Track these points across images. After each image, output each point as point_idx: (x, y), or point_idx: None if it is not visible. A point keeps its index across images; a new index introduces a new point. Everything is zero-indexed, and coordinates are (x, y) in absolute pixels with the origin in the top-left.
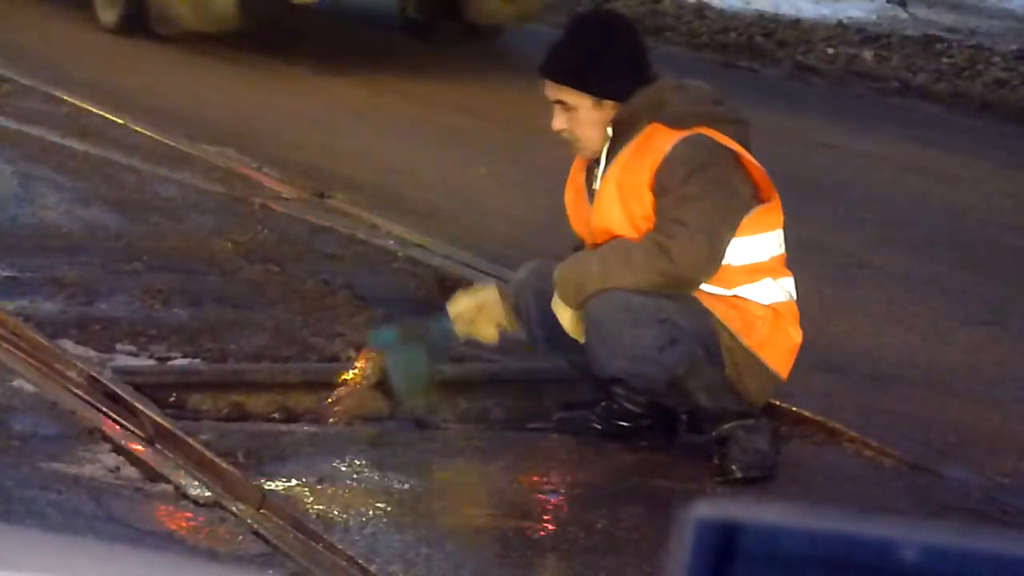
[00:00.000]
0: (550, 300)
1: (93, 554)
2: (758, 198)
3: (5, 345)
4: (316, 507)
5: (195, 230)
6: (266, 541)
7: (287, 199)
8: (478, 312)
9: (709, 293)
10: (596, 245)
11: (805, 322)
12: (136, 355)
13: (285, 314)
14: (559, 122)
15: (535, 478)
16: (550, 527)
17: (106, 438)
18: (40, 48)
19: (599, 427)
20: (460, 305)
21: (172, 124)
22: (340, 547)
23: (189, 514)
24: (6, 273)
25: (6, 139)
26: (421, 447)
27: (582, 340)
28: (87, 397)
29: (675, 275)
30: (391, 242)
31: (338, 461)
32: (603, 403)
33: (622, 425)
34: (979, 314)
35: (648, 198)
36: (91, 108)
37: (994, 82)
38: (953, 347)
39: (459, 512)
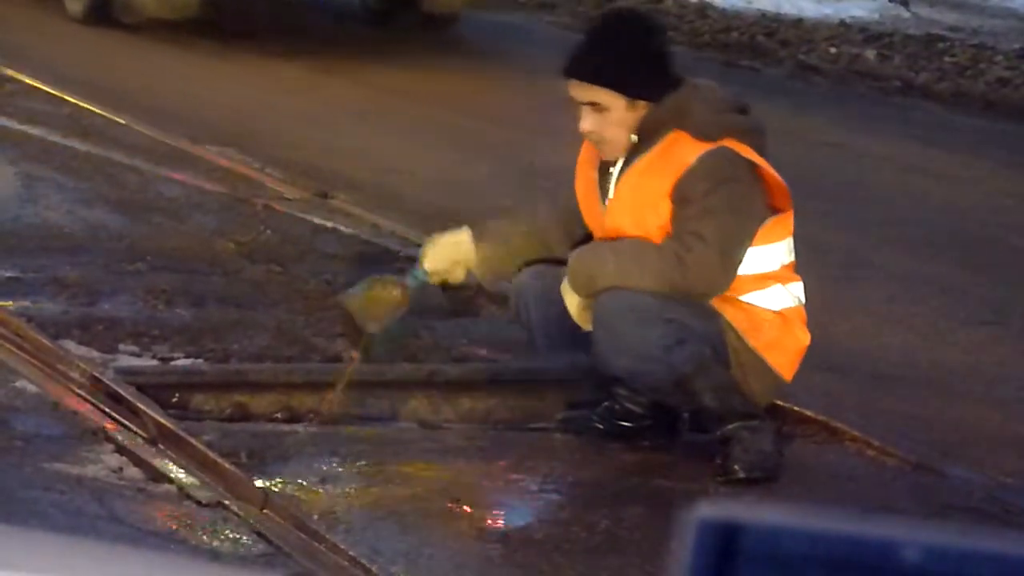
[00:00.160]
0: (551, 304)
1: (96, 554)
2: (772, 208)
3: (8, 346)
4: (319, 507)
5: (197, 230)
6: (268, 541)
7: (289, 199)
8: (452, 260)
9: (719, 296)
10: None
11: (807, 322)
12: (139, 355)
13: (287, 314)
14: (588, 123)
15: (537, 478)
16: (552, 527)
17: (109, 438)
18: (41, 48)
19: (601, 427)
20: (435, 254)
21: (174, 124)
22: (343, 547)
23: (192, 514)
24: (9, 274)
25: (8, 139)
26: (423, 447)
27: (586, 328)
28: (90, 397)
29: (686, 288)
30: (394, 242)
31: (341, 461)
32: (605, 403)
33: (624, 425)
34: (980, 314)
35: (666, 207)
36: (93, 108)
37: (996, 81)
38: (954, 347)
39: (461, 512)
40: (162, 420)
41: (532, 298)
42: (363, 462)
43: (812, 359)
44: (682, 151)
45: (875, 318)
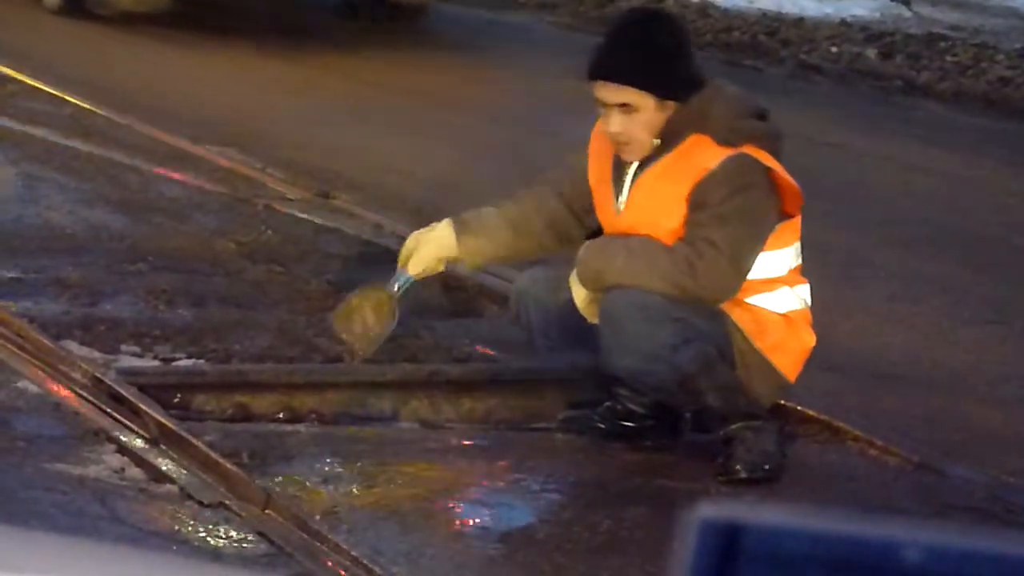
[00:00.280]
0: (550, 307)
1: (97, 555)
2: (783, 213)
3: (9, 346)
4: (320, 507)
5: (199, 231)
6: (270, 541)
7: (290, 199)
8: (434, 257)
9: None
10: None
11: (811, 323)
12: (140, 356)
13: (289, 315)
14: (617, 124)
15: (539, 478)
16: (554, 527)
17: (111, 439)
18: (43, 49)
19: (603, 427)
20: (417, 253)
21: (175, 124)
22: (344, 547)
23: (194, 515)
24: (10, 274)
25: (10, 140)
26: (424, 447)
27: (592, 320)
28: (91, 398)
29: (695, 293)
30: (396, 242)
31: (342, 461)
32: (606, 403)
33: (626, 425)
34: (982, 313)
35: (681, 211)
36: (94, 109)
37: (998, 80)
38: (956, 346)
39: (463, 512)
40: (164, 421)
41: (532, 301)
42: (364, 462)
43: (814, 359)
44: (703, 155)
45: (877, 317)
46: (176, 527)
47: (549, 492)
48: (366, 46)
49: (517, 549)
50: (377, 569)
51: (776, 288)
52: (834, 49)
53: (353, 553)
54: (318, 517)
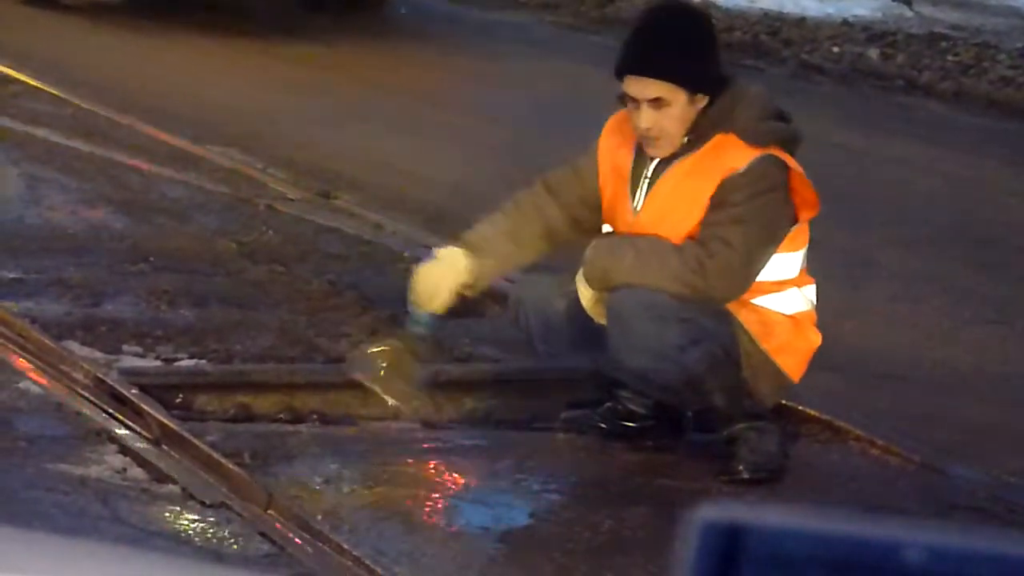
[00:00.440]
0: (550, 312)
1: (99, 555)
2: (796, 219)
3: (11, 347)
4: (322, 507)
5: (200, 231)
6: (272, 542)
7: (292, 200)
8: (449, 290)
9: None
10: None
11: (816, 323)
12: (142, 356)
13: (290, 315)
14: (648, 119)
15: (540, 478)
16: (555, 527)
17: (112, 439)
18: (44, 49)
19: (604, 427)
20: (431, 290)
21: (177, 125)
22: (346, 547)
23: (196, 515)
24: (12, 275)
25: (11, 140)
26: (426, 447)
27: (599, 321)
28: (93, 398)
29: (704, 293)
30: (397, 242)
31: (344, 461)
32: (607, 403)
33: (627, 425)
34: (984, 313)
35: (702, 210)
36: (96, 109)
37: (1000, 80)
38: (958, 346)
39: (464, 512)
40: (165, 421)
41: (530, 307)
42: (366, 462)
43: (816, 358)
44: (731, 155)
45: (878, 317)
46: (178, 527)
47: (550, 492)
48: (367, 46)
49: (518, 549)
50: (379, 569)
51: (785, 289)
52: (836, 49)
53: (355, 553)
54: (320, 517)
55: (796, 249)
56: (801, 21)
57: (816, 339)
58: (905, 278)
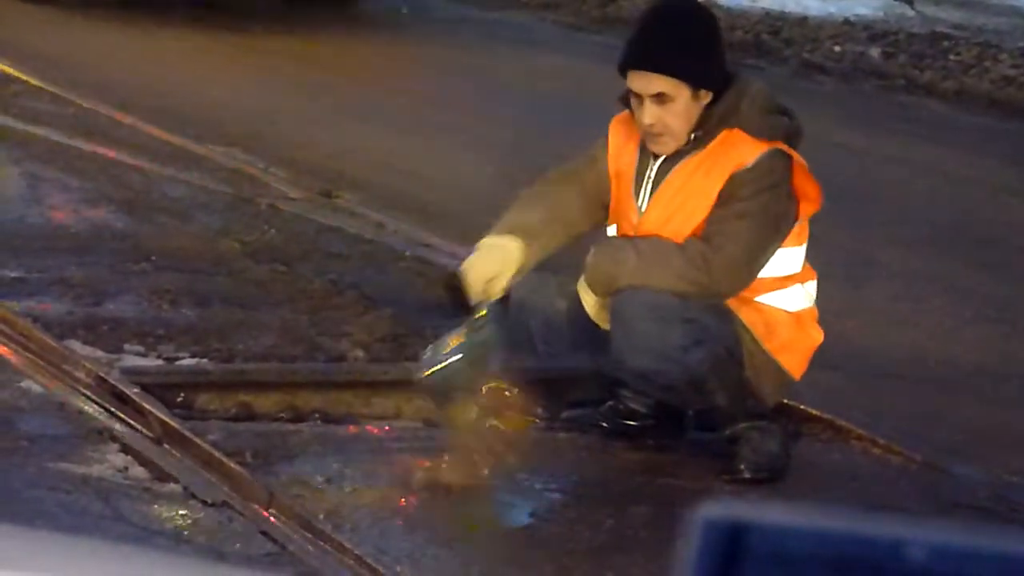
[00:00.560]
0: (550, 317)
1: (101, 554)
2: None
3: (13, 346)
4: (324, 507)
5: (202, 230)
6: (274, 541)
7: (293, 199)
8: (510, 277)
9: (736, 297)
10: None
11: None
12: (144, 355)
13: (292, 314)
14: (651, 115)
15: (542, 477)
16: (557, 526)
17: (114, 438)
18: (46, 48)
19: (605, 426)
20: (500, 278)
21: (178, 124)
22: (348, 546)
23: (197, 514)
24: (14, 274)
25: (13, 140)
26: (428, 446)
27: (604, 326)
28: (95, 397)
29: (708, 289)
30: (398, 241)
31: (346, 460)
32: (609, 402)
33: (628, 424)
34: (986, 312)
35: (709, 207)
36: (97, 108)
37: (1001, 79)
38: (960, 345)
39: (466, 511)
40: (167, 420)
41: (530, 309)
42: (368, 461)
43: (817, 357)
44: (739, 149)
45: (880, 316)
46: (179, 526)
47: (552, 491)
48: (368, 46)
49: (520, 548)
50: (381, 568)
51: (789, 286)
52: (837, 48)
53: (357, 552)
54: (321, 516)
55: (800, 243)
56: (803, 20)
57: (818, 336)
58: (906, 277)
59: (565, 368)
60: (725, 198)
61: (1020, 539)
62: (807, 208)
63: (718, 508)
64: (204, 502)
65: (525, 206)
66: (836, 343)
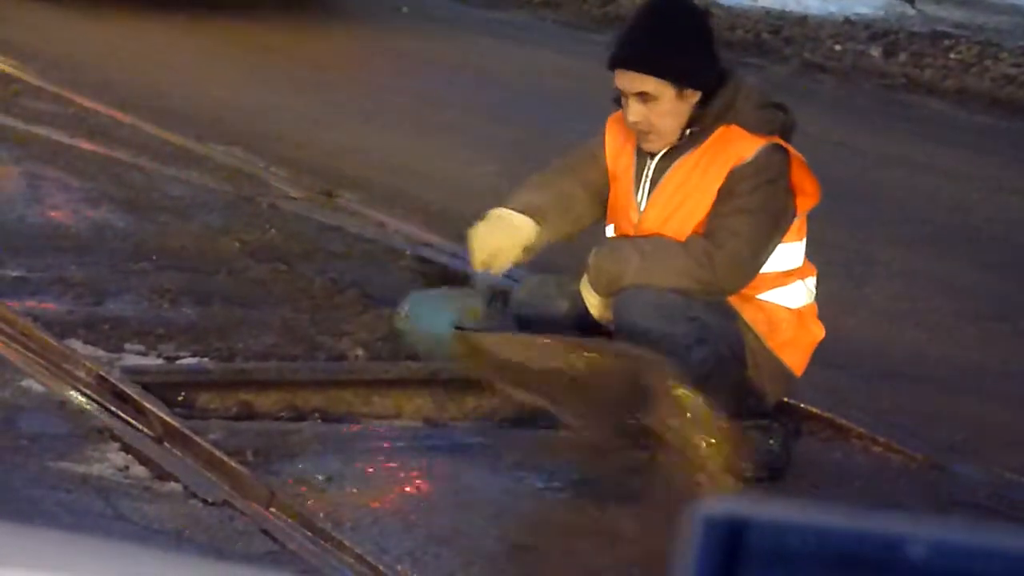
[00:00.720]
0: (553, 319)
1: (101, 553)
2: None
3: (14, 345)
4: (324, 505)
5: (203, 229)
6: (274, 539)
7: (295, 198)
8: (518, 251)
9: (738, 295)
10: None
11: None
12: (144, 354)
13: (293, 313)
14: (636, 114)
15: (542, 476)
16: (557, 525)
17: (115, 437)
18: (46, 48)
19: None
20: (506, 251)
21: (179, 124)
22: (348, 545)
23: (197, 513)
24: (15, 273)
25: (14, 139)
26: (428, 444)
27: (608, 326)
28: (96, 396)
29: (712, 286)
30: (398, 241)
31: (346, 459)
32: None
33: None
34: (986, 310)
35: (709, 205)
36: (98, 108)
37: (1002, 78)
38: (961, 343)
39: (467, 510)
40: (168, 419)
41: (532, 310)
42: (368, 460)
43: (818, 356)
44: (737, 145)
45: (881, 315)
46: (180, 525)
47: (552, 490)
48: (368, 45)
49: (521, 547)
50: (381, 567)
51: (791, 282)
52: (838, 47)
53: (357, 551)
54: (322, 515)
55: (800, 238)
56: (803, 19)
57: (819, 332)
58: (907, 276)
59: None
60: (724, 194)
61: (1020, 537)
62: (805, 203)
63: (718, 505)
64: (204, 501)
65: (536, 188)
66: (836, 342)
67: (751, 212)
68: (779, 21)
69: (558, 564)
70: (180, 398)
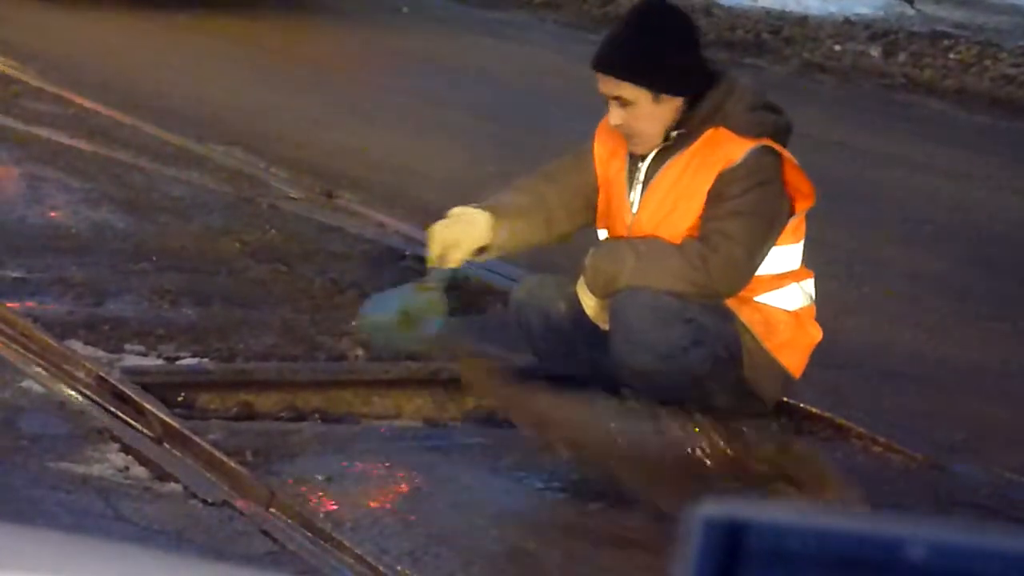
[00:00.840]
0: (551, 318)
1: (101, 553)
2: (792, 211)
3: (14, 346)
4: (324, 506)
5: (203, 230)
6: (274, 540)
7: (295, 198)
8: (474, 248)
9: (735, 296)
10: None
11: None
12: (144, 355)
13: (293, 313)
14: (616, 118)
15: (542, 476)
16: (556, 525)
17: (115, 438)
18: (47, 49)
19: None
20: (463, 246)
21: (179, 124)
22: (348, 545)
23: (198, 513)
24: (15, 274)
25: (14, 140)
26: (428, 445)
27: (604, 327)
28: (96, 397)
29: (707, 289)
30: (398, 241)
31: (346, 460)
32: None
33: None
34: (986, 310)
35: (700, 206)
36: (98, 109)
37: (1001, 78)
38: (960, 343)
39: (467, 510)
40: (168, 419)
41: (531, 311)
42: (368, 460)
43: (818, 356)
44: (725, 147)
45: (881, 315)
46: (180, 525)
47: (552, 490)
48: (368, 45)
49: (520, 547)
50: (381, 567)
51: (786, 284)
52: (837, 47)
53: (357, 551)
54: (322, 515)
55: (796, 241)
56: (803, 20)
57: (817, 334)
58: (907, 276)
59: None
60: (714, 197)
61: (1020, 537)
62: (801, 204)
63: (718, 507)
64: (204, 501)
65: (513, 190)
66: (836, 341)
67: (745, 215)
68: (779, 21)
69: (558, 564)
70: (180, 398)
